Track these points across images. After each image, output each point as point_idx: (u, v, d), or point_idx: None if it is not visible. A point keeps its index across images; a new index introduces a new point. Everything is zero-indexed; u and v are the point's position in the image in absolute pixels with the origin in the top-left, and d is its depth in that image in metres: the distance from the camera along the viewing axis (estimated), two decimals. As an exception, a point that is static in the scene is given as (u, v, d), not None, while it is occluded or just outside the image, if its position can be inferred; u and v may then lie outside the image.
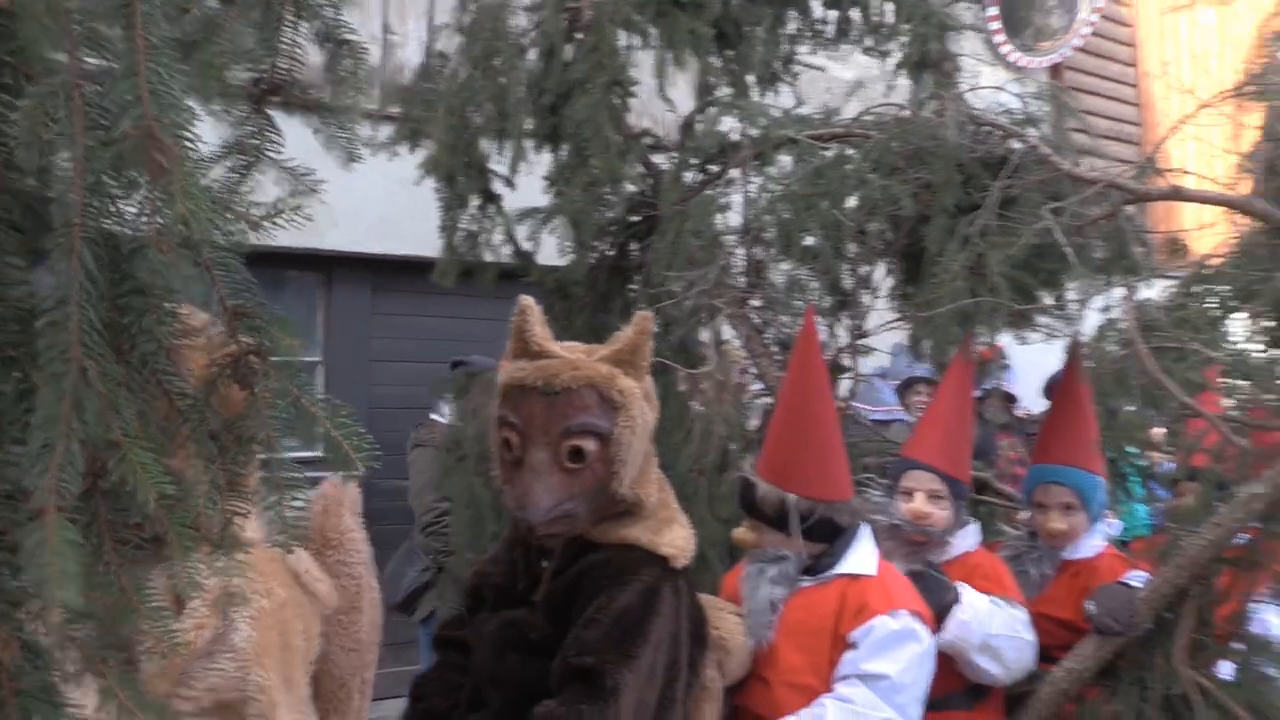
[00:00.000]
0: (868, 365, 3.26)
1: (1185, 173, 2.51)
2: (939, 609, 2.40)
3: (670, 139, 3.68)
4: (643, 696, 1.89)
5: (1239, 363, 2.89)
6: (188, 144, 0.72)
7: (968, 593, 2.48)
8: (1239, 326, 3.22)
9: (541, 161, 3.56)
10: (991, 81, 7.52)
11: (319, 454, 0.95)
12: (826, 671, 2.24)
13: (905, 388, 5.25)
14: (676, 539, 2.07)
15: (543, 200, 3.55)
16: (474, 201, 3.59)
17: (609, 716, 1.83)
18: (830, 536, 2.32)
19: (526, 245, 3.63)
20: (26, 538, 0.67)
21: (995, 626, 2.43)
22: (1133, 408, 3.22)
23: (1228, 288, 3.06)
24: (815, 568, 2.32)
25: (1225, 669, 2.44)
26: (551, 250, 3.57)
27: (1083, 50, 8.08)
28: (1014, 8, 7.75)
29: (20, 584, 0.79)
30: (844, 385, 3.27)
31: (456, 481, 3.29)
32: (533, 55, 3.52)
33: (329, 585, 2.11)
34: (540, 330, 2.06)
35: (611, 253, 3.73)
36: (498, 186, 3.61)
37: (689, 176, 3.51)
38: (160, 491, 0.72)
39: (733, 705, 2.31)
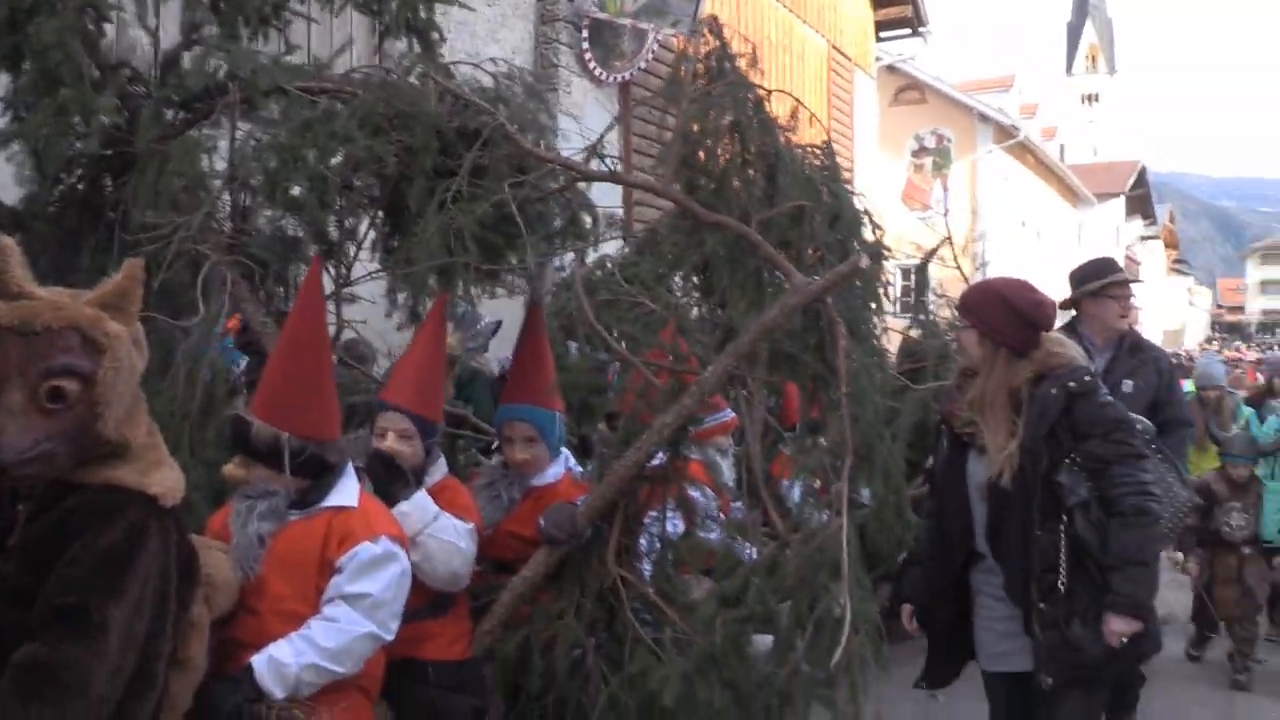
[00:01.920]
0: (352, 312, 3.44)
1: (630, 158, 3.00)
2: (389, 498, 2.67)
3: (149, 74, 3.54)
4: (131, 631, 1.95)
5: (673, 314, 3.51)
6: None
7: (420, 494, 2.75)
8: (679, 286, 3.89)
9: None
10: (580, 91, 9.05)
11: None
12: (315, 598, 2.44)
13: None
14: (166, 479, 2.12)
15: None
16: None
17: (95, 651, 1.87)
18: (318, 472, 2.51)
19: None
20: None
21: (433, 528, 2.71)
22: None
23: (667, 254, 3.69)
24: (303, 502, 2.50)
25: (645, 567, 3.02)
26: (6, 180, 3.29)
27: (646, 71, 9.96)
28: (600, 32, 9.62)
29: None
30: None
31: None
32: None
33: None
34: (20, 271, 2.01)
35: (81, 187, 3.53)
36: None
37: (169, 114, 3.43)
38: None
39: (220, 638, 2.42)
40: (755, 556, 2.95)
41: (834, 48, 15.98)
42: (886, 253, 4.03)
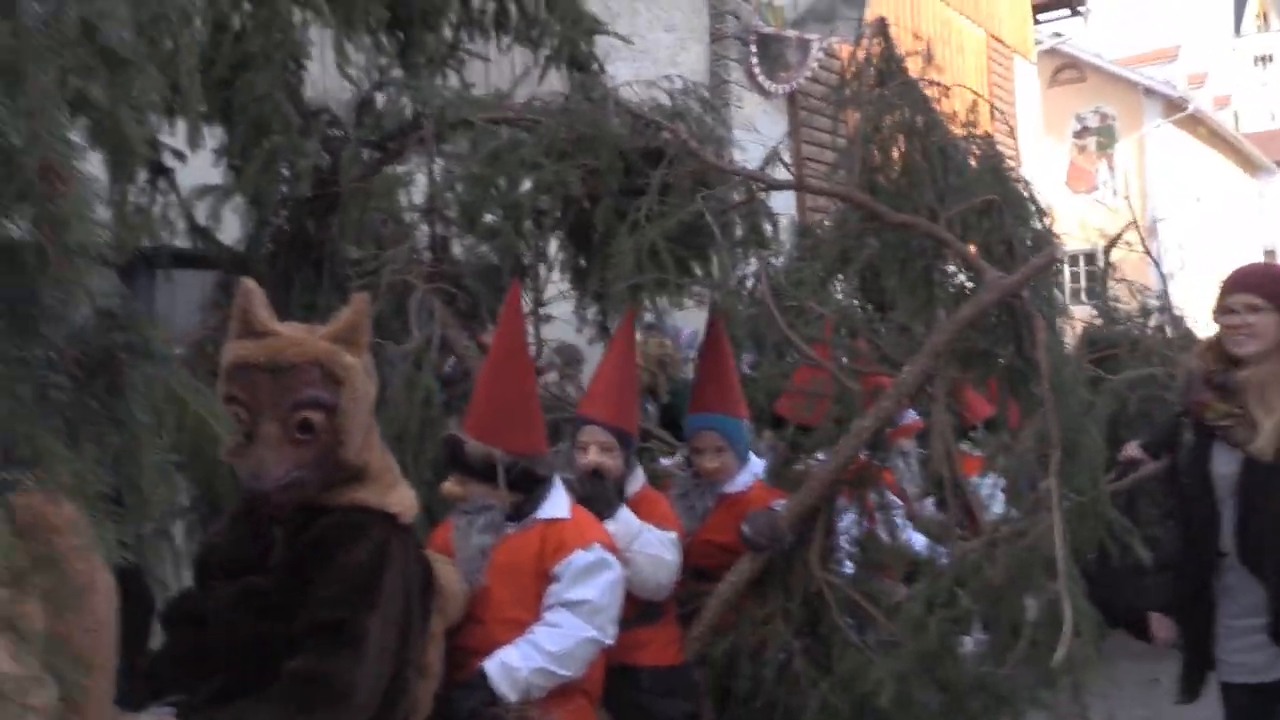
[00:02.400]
0: (548, 331, 3.58)
1: (802, 166, 3.03)
2: (597, 515, 2.74)
3: (344, 116, 3.76)
4: (384, 642, 2.09)
5: (846, 317, 3.51)
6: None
7: (625, 512, 2.83)
8: (839, 289, 3.88)
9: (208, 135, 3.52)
10: (751, 104, 9.63)
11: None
12: (534, 605, 2.55)
13: None
14: (402, 498, 2.27)
15: (203, 175, 3.52)
16: (142, 175, 3.49)
17: (358, 661, 2.02)
18: (529, 486, 2.62)
19: (206, 223, 3.58)
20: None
21: (639, 543, 2.79)
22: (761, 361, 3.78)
23: (832, 253, 3.69)
24: (517, 515, 2.61)
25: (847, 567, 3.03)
26: (231, 225, 3.56)
27: (812, 80, 10.32)
28: (766, 46, 10.12)
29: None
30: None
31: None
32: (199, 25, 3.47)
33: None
34: (263, 312, 2.17)
35: (287, 227, 3.77)
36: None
37: (365, 154, 3.63)
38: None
39: (450, 646, 2.56)
40: (950, 558, 2.93)
41: (992, 36, 15.63)
42: (1059, 240, 3.93)
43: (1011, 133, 15.45)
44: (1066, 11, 17.38)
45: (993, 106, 15.35)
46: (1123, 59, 27.21)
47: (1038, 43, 17.73)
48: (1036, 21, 17.29)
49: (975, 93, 3.40)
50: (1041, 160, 18.18)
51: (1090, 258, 16.43)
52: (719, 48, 9.72)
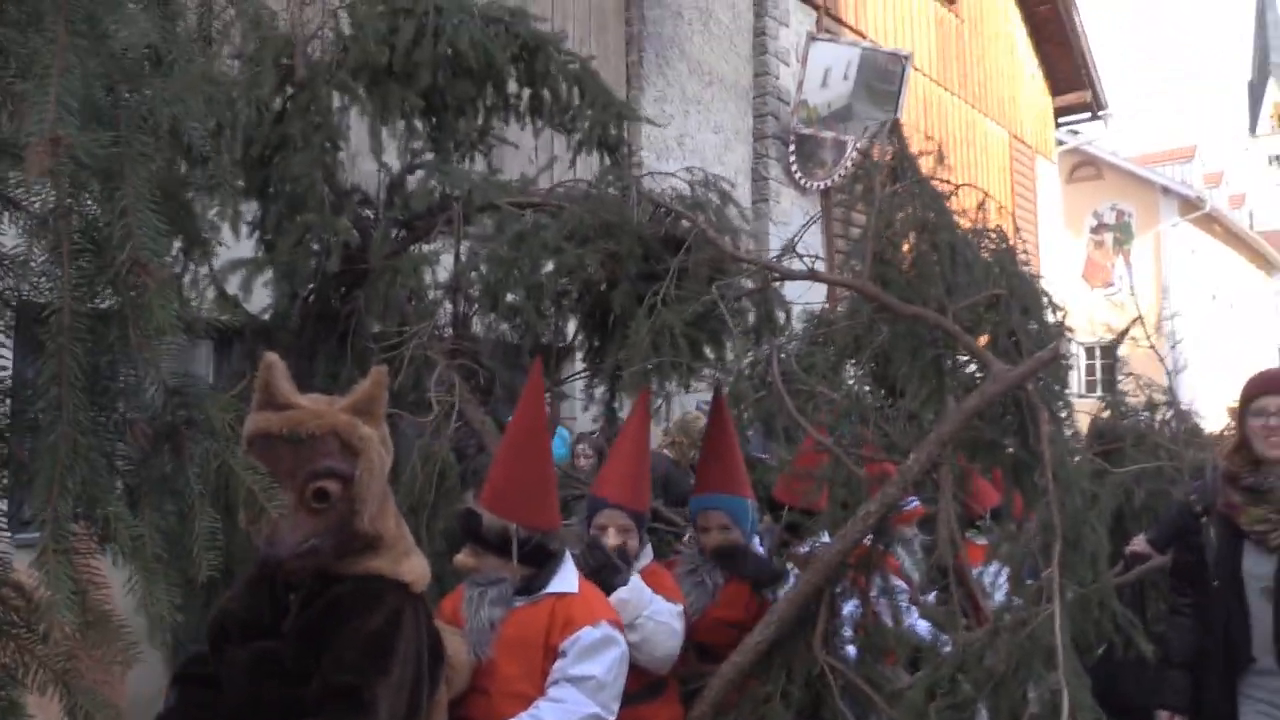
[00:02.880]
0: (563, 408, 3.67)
1: (816, 258, 3.15)
2: (608, 586, 2.80)
3: (374, 196, 3.91)
4: (395, 709, 2.14)
5: (855, 403, 3.58)
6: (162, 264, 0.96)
7: (636, 579, 2.88)
8: (850, 374, 3.96)
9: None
10: (787, 200, 10.81)
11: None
12: (540, 680, 2.59)
13: None
14: (415, 567, 2.33)
15: (234, 248, 3.65)
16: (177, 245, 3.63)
17: None
18: (540, 561, 2.68)
19: (237, 294, 3.71)
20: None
21: (650, 610, 2.82)
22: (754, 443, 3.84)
23: (844, 339, 3.78)
24: (528, 589, 2.67)
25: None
26: (261, 296, 3.68)
27: (845, 178, 11.30)
28: (804, 145, 11.25)
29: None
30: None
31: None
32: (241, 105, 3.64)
33: None
34: (285, 384, 2.27)
35: (312, 300, 3.89)
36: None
37: (394, 233, 3.77)
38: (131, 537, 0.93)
39: (454, 717, 2.59)
40: (952, 646, 2.96)
41: (1015, 137, 16.73)
42: (1069, 334, 4.01)
43: (1033, 228, 16.02)
44: (1088, 115, 18.09)
45: (1014, 203, 16.16)
46: (1140, 157, 27.80)
47: (1059, 143, 18.38)
48: (1058, 124, 18.24)
49: (985, 191, 3.51)
50: (1059, 254, 18.61)
51: (1106, 351, 16.67)
52: (760, 146, 10.65)
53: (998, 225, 4.01)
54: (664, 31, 9.28)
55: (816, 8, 11.69)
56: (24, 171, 0.88)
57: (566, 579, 2.71)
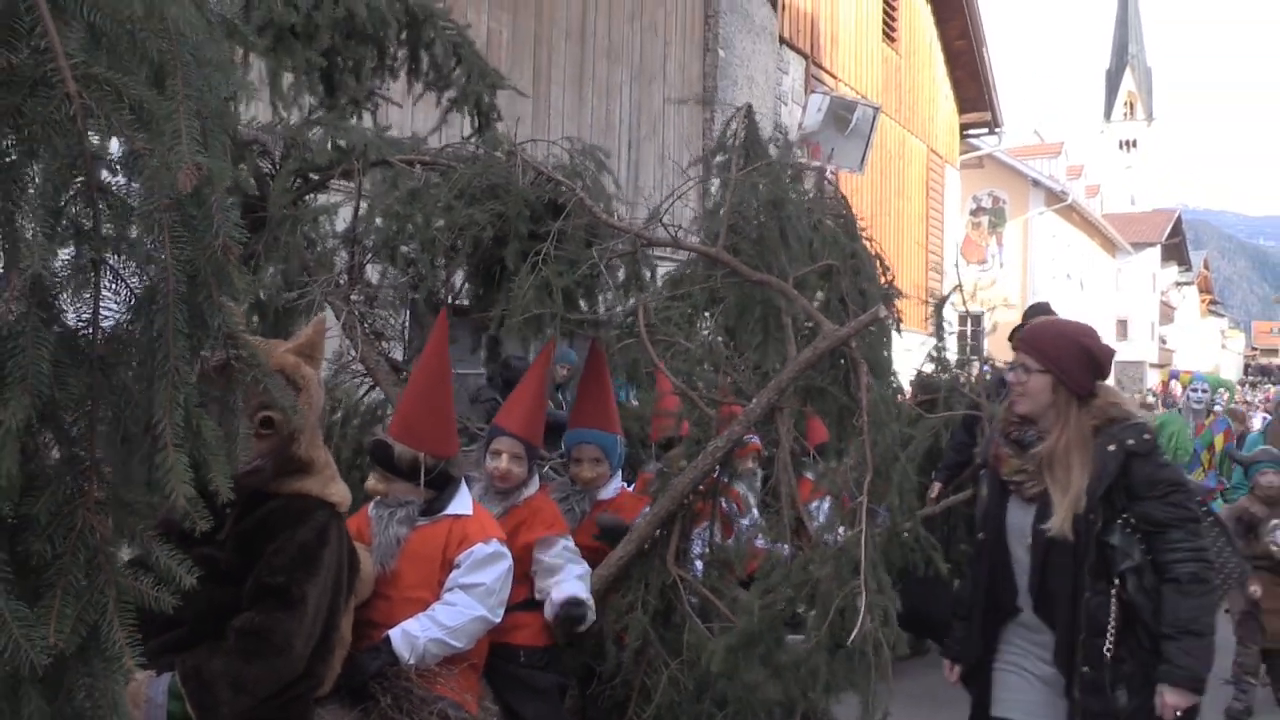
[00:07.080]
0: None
1: (680, 227, 3.61)
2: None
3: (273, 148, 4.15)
4: (319, 607, 2.53)
5: (710, 352, 4.09)
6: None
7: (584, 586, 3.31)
8: (705, 327, 4.48)
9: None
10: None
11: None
12: (436, 588, 3.01)
13: None
14: (339, 490, 2.71)
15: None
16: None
17: (297, 619, 2.45)
18: (441, 485, 3.10)
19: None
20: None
21: (582, 569, 3.30)
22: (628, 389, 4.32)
23: (697, 296, 4.28)
24: (429, 510, 3.08)
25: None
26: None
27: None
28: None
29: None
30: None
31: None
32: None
33: None
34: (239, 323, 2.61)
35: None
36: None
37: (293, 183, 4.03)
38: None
39: (359, 619, 2.99)
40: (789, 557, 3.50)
41: (931, 150, 20.87)
42: (900, 296, 4.64)
43: (940, 222, 21.00)
44: (986, 130, 22.37)
45: (928, 204, 19.95)
46: (1016, 149, 32.00)
47: (962, 153, 22.81)
48: (963, 137, 22.49)
49: (831, 173, 4.03)
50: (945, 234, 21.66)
51: (976, 319, 19.48)
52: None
53: (841, 197, 4.60)
54: (728, 97, 13.09)
55: (805, 57, 15.79)
56: (178, 189, 1.28)
57: (463, 502, 3.12)
